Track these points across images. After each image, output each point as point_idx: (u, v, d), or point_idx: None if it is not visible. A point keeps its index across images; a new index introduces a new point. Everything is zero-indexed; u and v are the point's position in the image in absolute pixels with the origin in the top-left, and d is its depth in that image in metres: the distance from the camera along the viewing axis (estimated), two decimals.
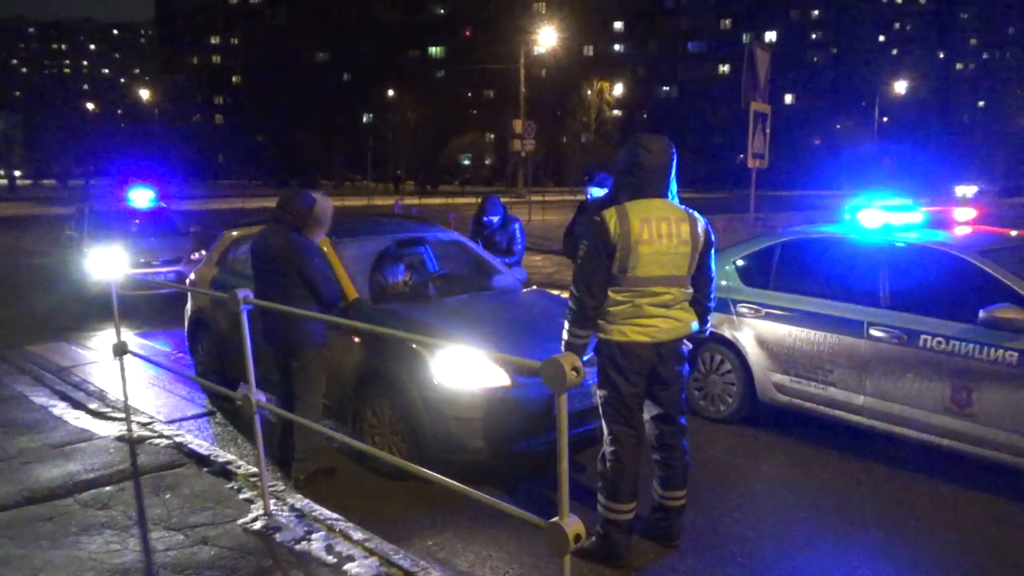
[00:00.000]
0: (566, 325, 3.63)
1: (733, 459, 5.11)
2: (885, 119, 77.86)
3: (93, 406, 5.90)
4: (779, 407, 5.44)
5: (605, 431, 3.67)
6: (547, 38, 49.78)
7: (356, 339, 4.85)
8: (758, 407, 5.56)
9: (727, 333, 5.64)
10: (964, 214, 5.52)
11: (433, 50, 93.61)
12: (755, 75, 10.98)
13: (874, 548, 3.89)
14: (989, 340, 4.34)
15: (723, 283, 5.77)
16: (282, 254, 4.44)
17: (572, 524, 2.40)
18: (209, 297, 6.21)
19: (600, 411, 3.69)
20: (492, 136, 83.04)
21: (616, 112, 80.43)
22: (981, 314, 4.30)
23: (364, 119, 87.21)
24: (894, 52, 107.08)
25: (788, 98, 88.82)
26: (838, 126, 79.73)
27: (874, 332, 4.83)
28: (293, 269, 4.42)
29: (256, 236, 4.77)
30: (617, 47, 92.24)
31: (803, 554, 3.82)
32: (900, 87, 68.10)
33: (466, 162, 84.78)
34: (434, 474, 3.04)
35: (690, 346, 3.76)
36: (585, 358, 3.72)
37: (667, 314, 3.56)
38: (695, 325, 3.70)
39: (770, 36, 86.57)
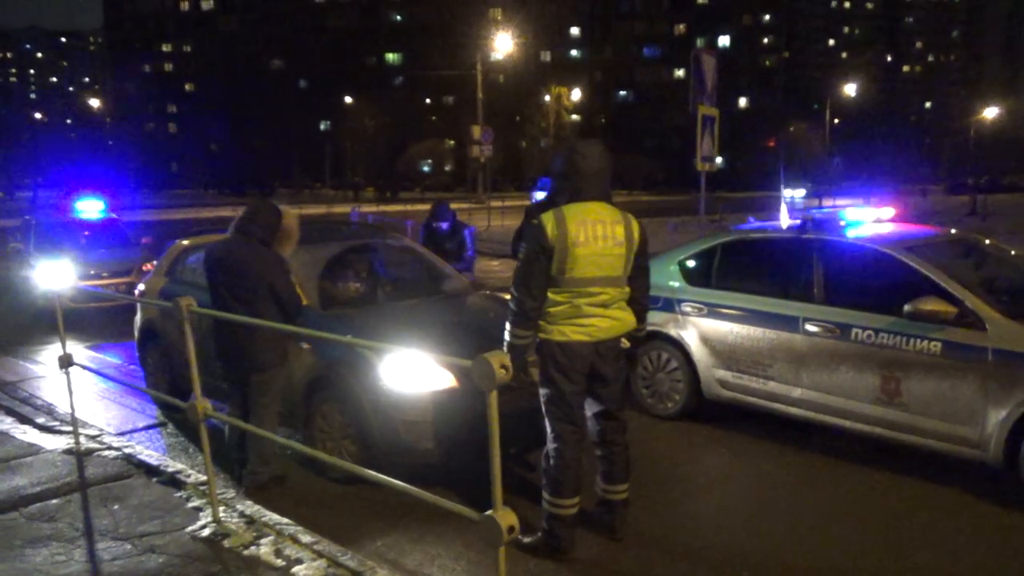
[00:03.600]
0: (507, 326, 3.72)
1: (678, 454, 5.26)
2: (836, 120, 79.68)
3: (40, 420, 5.84)
4: (723, 402, 5.60)
5: (548, 429, 3.77)
6: (504, 44, 49.99)
7: (305, 346, 4.89)
8: (704, 403, 5.71)
9: (672, 332, 5.80)
10: (884, 212, 5.73)
11: (390, 56, 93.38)
12: (702, 79, 11.23)
13: (811, 534, 4.04)
14: (915, 332, 4.54)
15: (668, 283, 5.93)
16: (253, 268, 4.42)
17: (505, 516, 2.49)
18: (158, 308, 6.18)
19: (543, 409, 3.79)
20: (452, 142, 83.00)
21: (575, 117, 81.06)
22: (906, 307, 4.50)
23: (322, 126, 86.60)
24: (843, 55, 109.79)
25: (743, 101, 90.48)
26: (791, 128, 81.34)
27: (809, 327, 5.02)
28: (264, 284, 4.41)
29: (215, 247, 4.71)
30: (574, 52, 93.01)
31: (743, 542, 3.96)
32: (850, 89, 69.73)
33: (426, 168, 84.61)
34: (380, 475, 3.11)
35: (628, 344, 3.88)
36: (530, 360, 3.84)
37: (605, 313, 3.68)
38: (633, 324, 3.82)
39: (723, 41, 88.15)
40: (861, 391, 4.81)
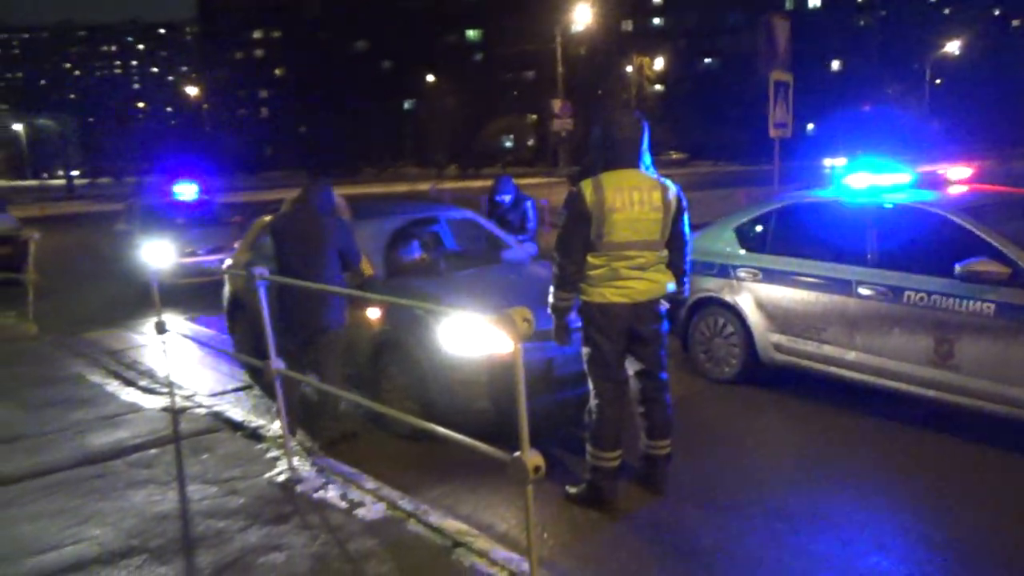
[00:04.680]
0: (551, 289, 3.94)
1: (730, 416, 5.38)
2: (938, 82, 75.39)
3: (142, 383, 6.42)
4: (779, 366, 5.67)
5: (590, 386, 3.99)
6: (583, 15, 49.49)
7: (372, 313, 5.24)
8: (760, 367, 5.79)
9: (728, 297, 5.88)
10: (958, 173, 5.64)
11: (470, 33, 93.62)
12: (774, 45, 11.01)
13: (855, 492, 4.13)
14: (967, 293, 4.52)
15: (724, 249, 6.02)
16: (321, 234, 4.84)
17: (532, 457, 2.73)
18: (243, 279, 6.67)
19: (585, 368, 4.00)
20: (534, 117, 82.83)
21: (657, 87, 79.51)
22: (957, 268, 4.48)
23: (405, 105, 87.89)
24: (946, 11, 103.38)
25: (835, 64, 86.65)
26: (888, 91, 77.47)
27: (862, 290, 5.03)
28: (332, 248, 4.84)
29: (281, 220, 5.12)
30: (656, 20, 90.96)
31: (785, 499, 4.08)
32: (952, 47, 65.84)
33: (507, 144, 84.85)
34: (437, 427, 3.39)
35: (667, 306, 4.04)
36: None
37: (643, 276, 3.85)
38: (671, 286, 3.98)
39: (814, 2, 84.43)
40: (914, 353, 4.81)
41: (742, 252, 5.92)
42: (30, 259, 9.12)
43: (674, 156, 73.99)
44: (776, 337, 5.60)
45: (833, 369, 5.29)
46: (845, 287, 5.13)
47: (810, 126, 76.26)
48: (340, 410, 5.02)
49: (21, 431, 5.12)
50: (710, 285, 6.01)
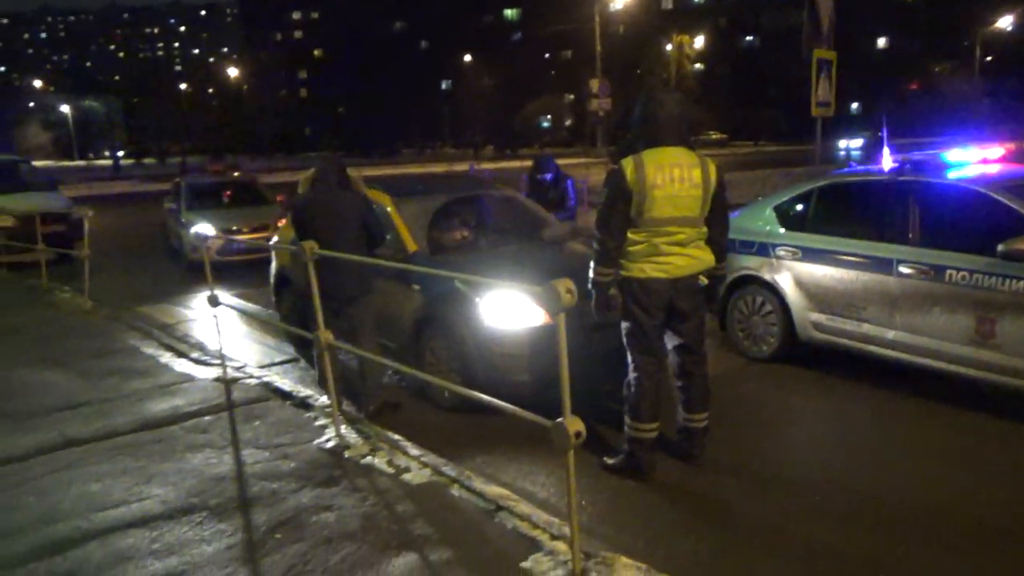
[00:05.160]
0: (592, 265, 4.03)
1: (768, 393, 5.43)
2: (988, 58, 73.09)
3: (194, 355, 6.66)
4: (818, 345, 5.70)
5: (629, 359, 4.08)
6: None
7: (416, 288, 5.38)
8: (798, 346, 5.82)
9: (767, 276, 5.91)
10: (992, 153, 5.58)
11: (508, 13, 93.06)
12: (817, 22, 10.86)
13: (888, 468, 4.18)
14: (1010, 272, 4.51)
15: (764, 228, 6.04)
16: (345, 209, 5.03)
17: (573, 423, 2.84)
18: (288, 255, 6.86)
19: (624, 341, 4.10)
20: (571, 97, 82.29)
21: (697, 66, 78.38)
22: (1000, 247, 4.47)
23: (442, 86, 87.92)
24: None
25: (881, 42, 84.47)
26: (936, 69, 75.33)
27: (903, 269, 5.03)
28: (357, 220, 5.03)
29: (305, 200, 5.24)
30: None
31: (817, 472, 4.15)
32: (1004, 23, 63.74)
33: (545, 124, 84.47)
34: (481, 394, 3.51)
35: (706, 282, 4.11)
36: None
37: (682, 252, 3.92)
38: (711, 262, 4.05)
39: None
40: (955, 332, 4.81)
41: (782, 231, 5.93)
42: (84, 236, 9.43)
43: (713, 136, 72.96)
44: (815, 316, 5.63)
45: (872, 348, 5.31)
46: (886, 266, 5.13)
47: (854, 105, 74.55)
48: (384, 381, 5.19)
49: (84, 399, 5.38)
50: (749, 264, 6.04)
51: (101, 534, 3.45)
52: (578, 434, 2.83)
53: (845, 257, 5.40)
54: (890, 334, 5.17)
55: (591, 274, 4.05)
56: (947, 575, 3.20)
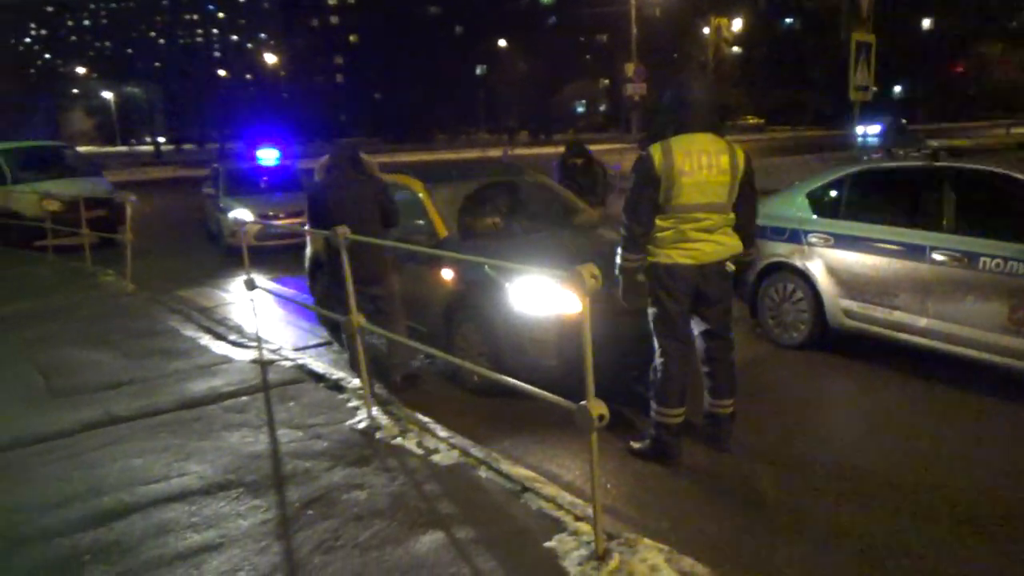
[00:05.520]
0: (619, 251, 4.06)
1: (797, 380, 5.43)
2: None
3: (232, 337, 6.83)
4: (848, 332, 5.67)
5: (656, 345, 4.11)
6: None
7: (447, 274, 5.46)
8: (829, 333, 5.80)
9: (798, 262, 5.88)
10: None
11: None
12: (857, 3, 10.67)
13: (918, 456, 4.17)
14: None
15: (795, 215, 6.00)
16: (362, 193, 5.21)
17: (596, 406, 2.89)
18: (323, 240, 6.98)
19: (651, 327, 4.13)
20: (607, 81, 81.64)
21: (735, 49, 77.19)
22: None
23: (477, 71, 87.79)
24: None
25: (926, 23, 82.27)
26: (983, 50, 73.22)
27: (936, 256, 4.98)
28: (375, 203, 5.23)
29: (322, 186, 5.39)
30: None
31: (845, 458, 4.15)
32: None
33: (579, 109, 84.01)
34: (509, 378, 3.58)
35: (733, 268, 4.12)
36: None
37: (709, 238, 3.94)
38: (738, 248, 4.05)
39: None
40: (988, 320, 4.76)
41: (814, 217, 5.89)
42: (127, 221, 9.68)
43: (751, 121, 71.89)
44: (846, 303, 5.59)
45: (904, 336, 5.27)
46: (919, 253, 5.08)
47: (897, 88, 72.81)
48: (416, 364, 5.32)
49: (128, 378, 5.57)
50: (780, 250, 6.01)
51: (143, 507, 3.59)
52: (601, 417, 2.88)
53: (878, 244, 5.35)
54: (922, 322, 5.13)
55: (618, 260, 4.08)
56: (973, 561, 3.20)
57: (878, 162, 5.84)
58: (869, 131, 49.26)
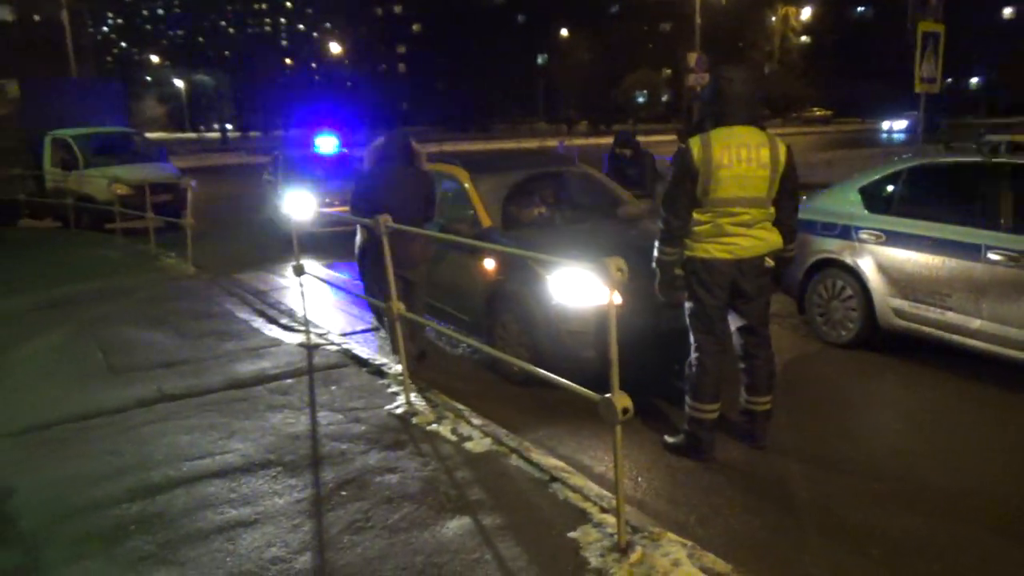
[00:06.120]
0: (656, 244, 4.04)
1: (842, 378, 5.32)
2: None
3: (283, 321, 7.02)
4: (898, 332, 5.52)
5: (692, 339, 4.09)
6: None
7: (489, 264, 5.51)
8: (878, 332, 5.65)
9: (848, 259, 5.75)
10: None
11: None
12: None
13: (961, 459, 4.05)
14: None
15: (846, 210, 5.86)
16: (408, 183, 5.34)
17: (621, 399, 2.90)
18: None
19: (687, 322, 4.10)
20: (668, 71, 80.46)
21: (803, 38, 75.23)
22: None
23: (538, 60, 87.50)
24: None
25: (1007, 11, 78.69)
26: None
27: (991, 255, 4.81)
28: (420, 194, 5.36)
29: (370, 174, 5.55)
30: None
31: (884, 459, 4.07)
32: None
33: (640, 100, 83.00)
34: (539, 369, 3.61)
35: (772, 264, 4.06)
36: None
37: (748, 233, 3.88)
38: (778, 243, 3.99)
39: None
40: None
41: (866, 213, 5.75)
42: (188, 205, 10.01)
43: (817, 113, 69.93)
44: (897, 302, 5.44)
45: (956, 337, 5.11)
46: (973, 252, 4.91)
47: (974, 80, 69.87)
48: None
49: (182, 357, 5.78)
50: (830, 246, 5.88)
51: (187, 482, 3.74)
52: (625, 410, 2.89)
53: (931, 241, 5.19)
54: (975, 323, 4.96)
55: (655, 253, 4.06)
56: (1012, 572, 3.11)
57: (934, 157, 5.65)
58: (895, 126, 47.33)
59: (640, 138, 8.15)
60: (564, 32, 74.24)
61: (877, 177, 5.84)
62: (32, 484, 3.81)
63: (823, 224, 5.92)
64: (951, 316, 5.11)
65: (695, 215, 3.90)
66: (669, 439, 4.24)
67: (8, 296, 8.08)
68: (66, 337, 6.49)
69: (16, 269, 9.98)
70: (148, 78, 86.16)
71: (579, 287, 4.87)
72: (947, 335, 5.16)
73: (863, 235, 5.67)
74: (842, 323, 5.87)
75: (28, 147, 15.12)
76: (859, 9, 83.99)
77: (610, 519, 3.23)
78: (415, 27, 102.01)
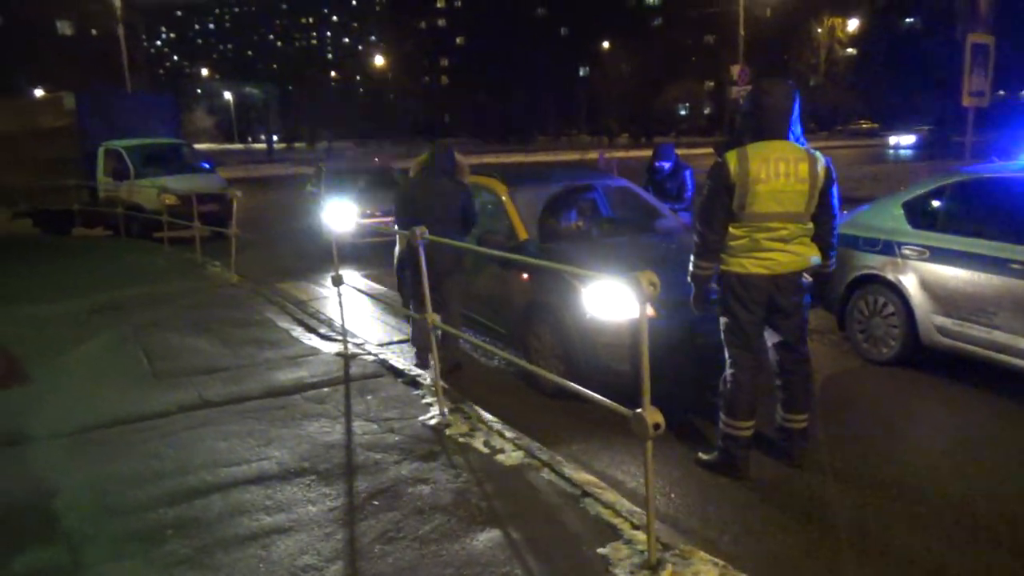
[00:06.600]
0: (692, 258, 4.02)
1: (883, 396, 5.21)
2: None
3: (322, 330, 7.11)
4: (942, 350, 5.39)
5: (727, 355, 4.05)
6: None
7: (524, 276, 5.53)
8: (921, 350, 5.53)
9: (890, 275, 5.64)
10: None
11: None
12: (974, 3, 10.09)
13: (1004, 483, 3.94)
14: None
15: (889, 225, 5.76)
16: (446, 196, 5.47)
17: (652, 414, 2.88)
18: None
19: (723, 337, 4.06)
20: (711, 83, 79.94)
21: (850, 50, 74.03)
22: None
23: (580, 72, 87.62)
24: None
25: None
26: None
27: None
28: (457, 207, 5.48)
29: (418, 181, 5.74)
30: None
31: (922, 479, 3.97)
32: None
33: (683, 112, 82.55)
34: (570, 383, 3.62)
35: (810, 279, 4.00)
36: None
37: (785, 248, 3.84)
38: (815, 259, 3.94)
39: None
40: None
41: (909, 229, 5.63)
42: (233, 215, 10.22)
43: (864, 126, 68.65)
44: (940, 320, 5.32)
45: (1003, 357, 4.97)
46: (1021, 269, 4.78)
47: None
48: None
49: (223, 364, 5.90)
50: (872, 262, 5.78)
51: (223, 488, 3.82)
52: (657, 425, 2.88)
53: (977, 258, 5.07)
54: (1023, 343, 4.83)
55: (691, 267, 4.04)
56: None
57: (979, 172, 5.52)
58: (902, 141, 45.83)
59: (682, 151, 8.13)
60: (606, 44, 74.20)
61: (921, 192, 5.73)
62: (76, 484, 3.92)
63: (865, 239, 5.83)
64: (997, 335, 4.97)
65: (731, 229, 3.87)
66: (703, 456, 4.20)
67: (63, 300, 8.34)
68: (114, 341, 6.67)
69: (70, 275, 10.31)
70: (199, 90, 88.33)
71: (613, 300, 4.86)
72: (993, 354, 5.03)
73: (906, 251, 5.56)
74: (883, 340, 5.75)
75: (84, 158, 15.61)
76: (908, 20, 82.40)
77: (641, 536, 3.20)
78: (458, 40, 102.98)
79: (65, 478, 3.99)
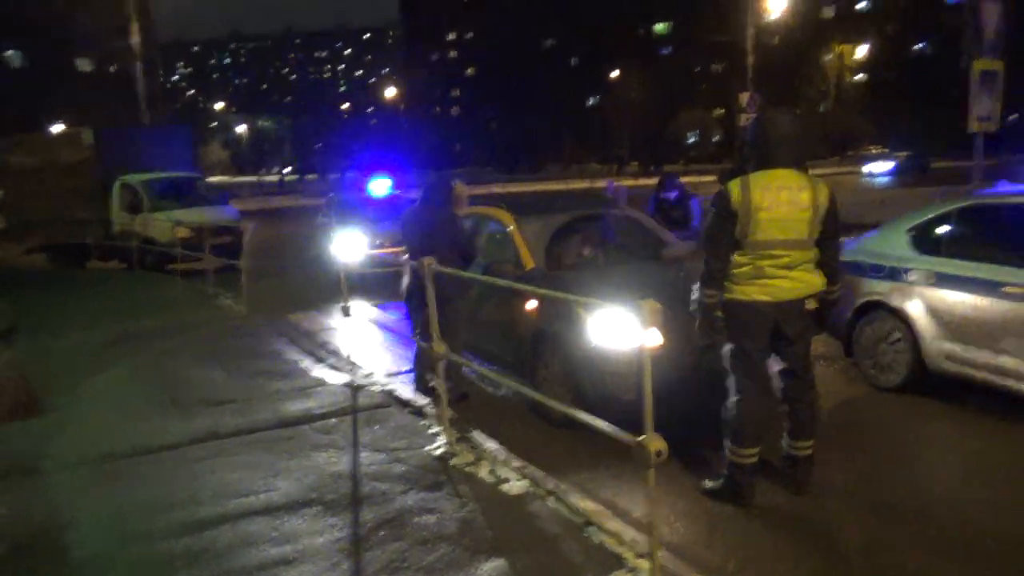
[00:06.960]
0: (697, 286, 4.05)
1: (889, 423, 5.19)
2: None
3: (330, 361, 7.16)
4: (949, 376, 5.37)
5: (731, 382, 4.06)
6: (780, 3, 47.15)
7: (531, 305, 5.56)
8: (928, 376, 5.51)
9: (896, 302, 5.64)
10: None
11: (658, 27, 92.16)
12: (980, 29, 10.14)
13: (1013, 508, 3.91)
14: None
15: (895, 252, 5.77)
16: (437, 225, 5.62)
17: (654, 441, 2.90)
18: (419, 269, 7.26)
19: (727, 364, 4.08)
20: (721, 111, 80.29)
21: (859, 76, 74.36)
22: None
23: (590, 101, 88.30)
24: None
25: None
26: None
27: None
28: (447, 236, 5.60)
29: (409, 213, 5.99)
30: (861, 4, 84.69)
31: (930, 505, 3.95)
32: None
33: (692, 139, 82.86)
34: (575, 411, 3.64)
35: (815, 306, 4.02)
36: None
37: (788, 275, 3.87)
38: (819, 285, 3.96)
39: None
40: None
41: (915, 255, 5.64)
42: (243, 248, 10.35)
43: (874, 151, 68.58)
44: (948, 346, 5.31)
45: (1011, 383, 4.95)
46: None
47: None
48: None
49: (232, 396, 5.95)
50: (878, 288, 5.78)
51: (232, 519, 3.85)
52: (659, 452, 2.90)
53: (984, 284, 5.06)
54: None
55: (695, 295, 4.07)
56: None
57: (985, 197, 5.54)
58: (875, 169, 45.49)
59: (691, 178, 8.22)
60: (615, 73, 74.82)
61: (927, 217, 5.74)
62: (90, 514, 3.99)
63: (871, 266, 5.84)
64: (1005, 361, 4.95)
65: (735, 257, 3.90)
66: (708, 484, 4.19)
67: (80, 331, 8.48)
68: (127, 373, 6.75)
69: (87, 307, 10.46)
70: (214, 123, 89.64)
71: (618, 329, 4.89)
72: (1001, 380, 5.01)
73: (912, 277, 5.56)
74: (891, 367, 5.73)
75: (101, 192, 15.85)
76: (917, 46, 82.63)
77: (645, 564, 3.20)
78: (469, 71, 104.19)
79: (80, 508, 4.05)
